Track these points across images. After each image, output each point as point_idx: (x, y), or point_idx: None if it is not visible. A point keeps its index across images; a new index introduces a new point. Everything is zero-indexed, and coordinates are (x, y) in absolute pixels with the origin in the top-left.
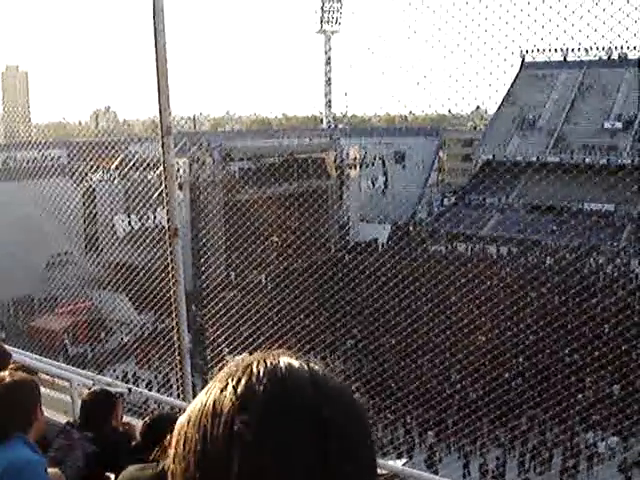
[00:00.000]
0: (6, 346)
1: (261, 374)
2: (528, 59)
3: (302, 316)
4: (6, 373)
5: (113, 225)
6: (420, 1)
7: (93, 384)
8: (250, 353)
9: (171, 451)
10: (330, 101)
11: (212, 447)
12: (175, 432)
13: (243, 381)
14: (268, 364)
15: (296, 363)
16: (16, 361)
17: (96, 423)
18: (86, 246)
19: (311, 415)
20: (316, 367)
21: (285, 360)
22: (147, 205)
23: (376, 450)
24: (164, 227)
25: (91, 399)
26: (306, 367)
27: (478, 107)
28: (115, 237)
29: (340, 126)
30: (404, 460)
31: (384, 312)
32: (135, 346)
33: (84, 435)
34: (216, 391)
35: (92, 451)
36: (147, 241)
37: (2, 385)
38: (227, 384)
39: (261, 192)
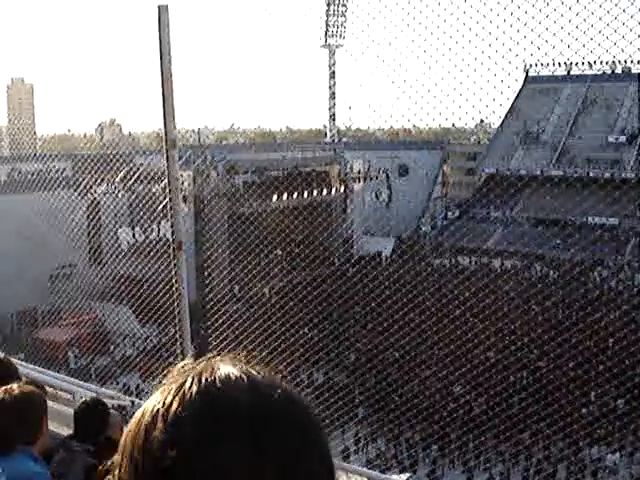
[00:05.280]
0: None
1: (193, 396)
2: (532, 73)
3: (306, 329)
4: (15, 385)
5: (117, 238)
6: (424, 16)
7: (96, 397)
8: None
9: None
10: (334, 114)
11: None
12: (115, 457)
13: (174, 407)
14: (202, 382)
15: (234, 376)
16: (25, 375)
17: (90, 434)
18: (90, 258)
19: (245, 443)
20: (259, 378)
21: (223, 373)
22: (151, 218)
23: (328, 468)
24: (168, 240)
25: (82, 409)
26: (246, 380)
27: (482, 121)
28: (119, 250)
29: (344, 139)
30: (407, 475)
31: (388, 326)
32: (138, 359)
33: (85, 448)
34: (147, 418)
35: (92, 465)
36: (151, 254)
37: (11, 397)
38: (158, 410)
39: (265, 205)
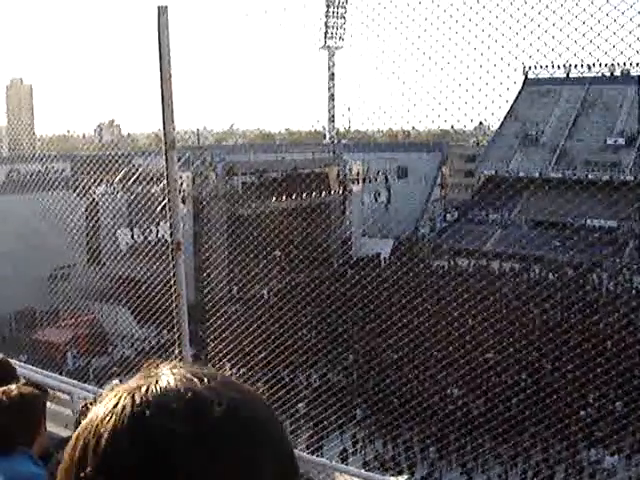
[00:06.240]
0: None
1: (124, 424)
2: (531, 75)
3: (304, 330)
4: (14, 386)
5: (116, 238)
6: (423, 18)
7: (94, 398)
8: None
9: None
10: (333, 116)
11: None
12: None
13: (104, 438)
14: (136, 401)
15: (173, 392)
16: (23, 375)
17: None
18: (89, 259)
19: (178, 475)
20: (202, 392)
21: (160, 389)
22: (150, 219)
23: None
24: (167, 241)
25: (83, 412)
26: (186, 395)
27: (481, 123)
28: (118, 250)
29: (343, 141)
30: (405, 476)
31: (386, 327)
32: (137, 359)
33: None
34: (79, 450)
35: None
36: (150, 254)
37: (10, 398)
38: (88, 441)
39: (264, 206)
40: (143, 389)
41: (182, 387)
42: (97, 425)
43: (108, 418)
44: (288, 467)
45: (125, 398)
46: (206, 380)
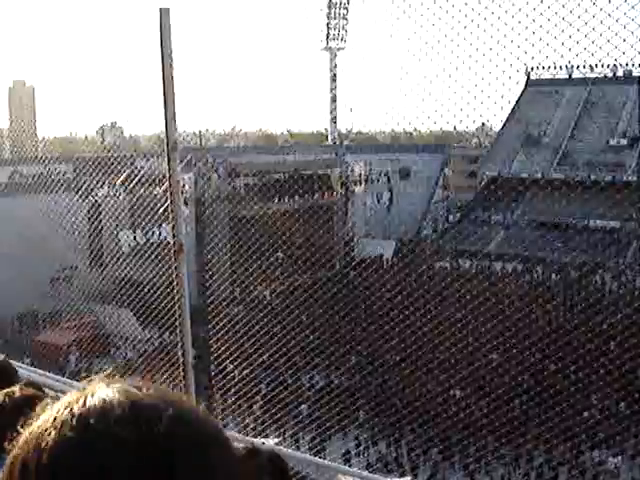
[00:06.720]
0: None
1: (67, 437)
2: (533, 76)
3: (307, 332)
4: (16, 388)
5: (118, 240)
6: (425, 19)
7: None
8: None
9: None
10: (335, 117)
11: None
12: None
13: (46, 454)
14: (76, 413)
15: (112, 401)
16: (26, 377)
17: None
18: (91, 261)
19: None
20: (144, 399)
21: (98, 399)
22: (152, 220)
23: None
24: (169, 242)
25: None
26: (129, 402)
27: (483, 124)
28: (120, 252)
29: (345, 142)
30: (408, 478)
31: (389, 328)
32: (139, 361)
33: None
34: (18, 472)
35: None
36: (152, 256)
37: (12, 400)
38: (28, 460)
39: (266, 208)
40: (81, 401)
41: (121, 396)
42: (36, 442)
43: (47, 433)
44: (234, 474)
45: (63, 412)
46: (144, 389)
